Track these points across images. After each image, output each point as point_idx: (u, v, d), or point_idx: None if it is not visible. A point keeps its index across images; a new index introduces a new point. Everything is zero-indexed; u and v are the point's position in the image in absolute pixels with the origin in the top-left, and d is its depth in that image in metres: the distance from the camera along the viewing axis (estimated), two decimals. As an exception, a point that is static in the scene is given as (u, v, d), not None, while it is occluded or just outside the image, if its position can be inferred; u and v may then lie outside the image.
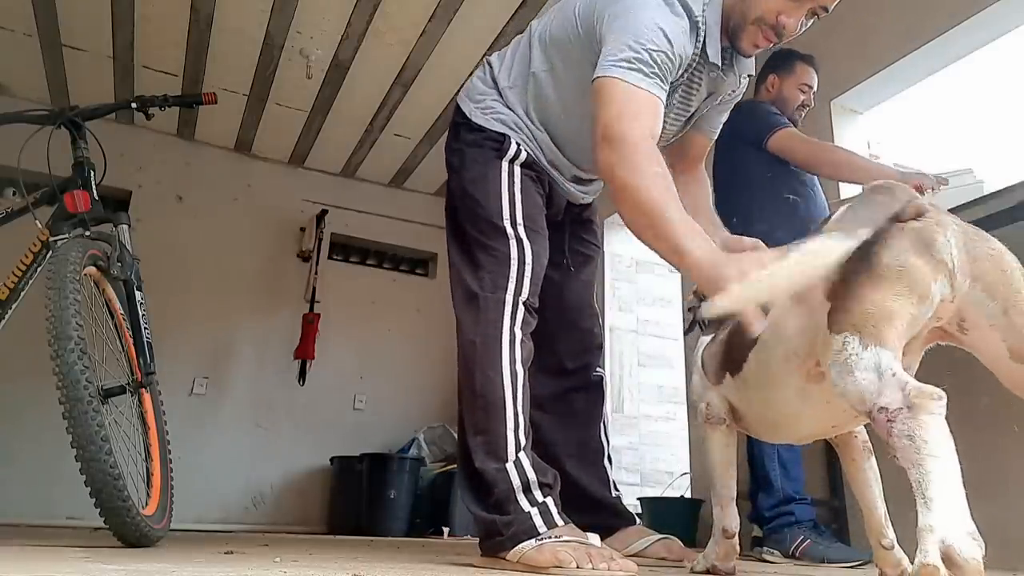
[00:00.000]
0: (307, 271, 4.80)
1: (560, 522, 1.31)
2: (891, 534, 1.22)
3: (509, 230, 1.51)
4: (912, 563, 0.77)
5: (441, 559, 1.57)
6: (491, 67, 1.71)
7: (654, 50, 1.32)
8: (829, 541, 2.07)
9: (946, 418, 0.82)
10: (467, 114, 1.65)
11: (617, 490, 1.86)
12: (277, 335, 4.64)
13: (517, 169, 1.58)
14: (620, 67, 1.32)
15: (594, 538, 1.29)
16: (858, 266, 0.93)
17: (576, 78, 1.51)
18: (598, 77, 1.34)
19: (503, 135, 1.59)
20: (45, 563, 1.01)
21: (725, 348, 1.31)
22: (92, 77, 4.06)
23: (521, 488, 1.32)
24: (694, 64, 1.48)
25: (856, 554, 2.02)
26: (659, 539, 1.73)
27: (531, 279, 1.50)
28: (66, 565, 0.97)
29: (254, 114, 4.46)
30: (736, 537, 1.30)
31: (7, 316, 1.87)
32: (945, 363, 1.05)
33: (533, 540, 1.26)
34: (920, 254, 0.91)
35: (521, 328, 1.46)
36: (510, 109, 1.62)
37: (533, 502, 1.31)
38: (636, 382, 4.56)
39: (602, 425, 1.86)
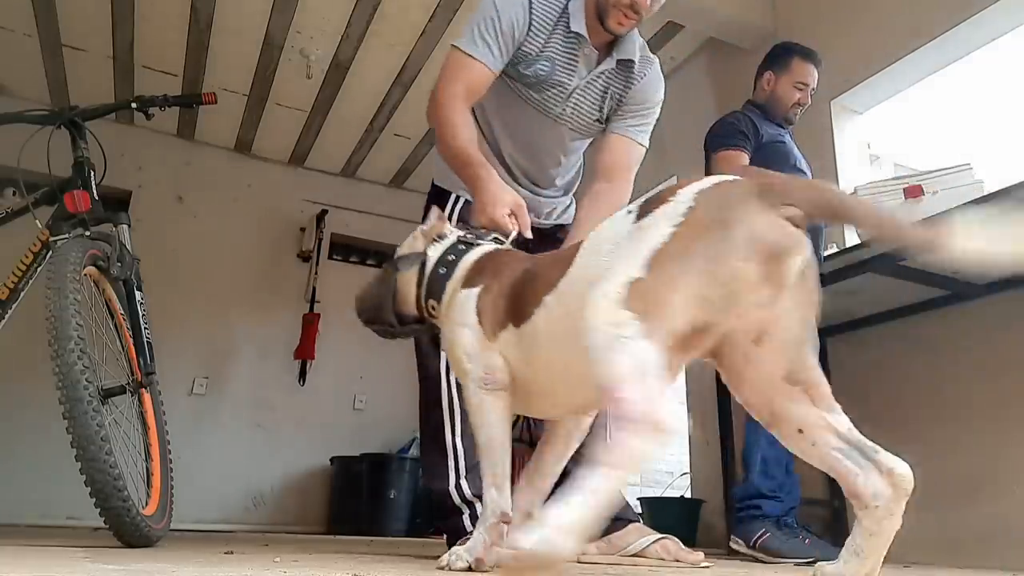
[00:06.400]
0: (307, 271, 4.80)
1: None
2: None
3: None
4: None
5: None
6: None
7: (484, 19, 1.65)
8: (788, 536, 2.15)
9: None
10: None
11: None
12: (277, 335, 4.64)
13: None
14: (462, 37, 1.68)
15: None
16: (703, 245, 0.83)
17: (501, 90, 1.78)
18: None
19: (446, 192, 1.81)
20: (45, 563, 1.01)
21: (510, 294, 1.14)
22: (92, 77, 4.06)
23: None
24: (566, 39, 1.70)
25: (808, 551, 2.09)
26: (658, 539, 1.73)
27: None
28: (66, 565, 0.97)
29: (254, 114, 4.46)
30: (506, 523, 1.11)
31: (7, 316, 1.87)
32: (953, 367, 1.05)
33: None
34: (761, 262, 0.82)
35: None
36: None
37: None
38: (636, 382, 4.56)
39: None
